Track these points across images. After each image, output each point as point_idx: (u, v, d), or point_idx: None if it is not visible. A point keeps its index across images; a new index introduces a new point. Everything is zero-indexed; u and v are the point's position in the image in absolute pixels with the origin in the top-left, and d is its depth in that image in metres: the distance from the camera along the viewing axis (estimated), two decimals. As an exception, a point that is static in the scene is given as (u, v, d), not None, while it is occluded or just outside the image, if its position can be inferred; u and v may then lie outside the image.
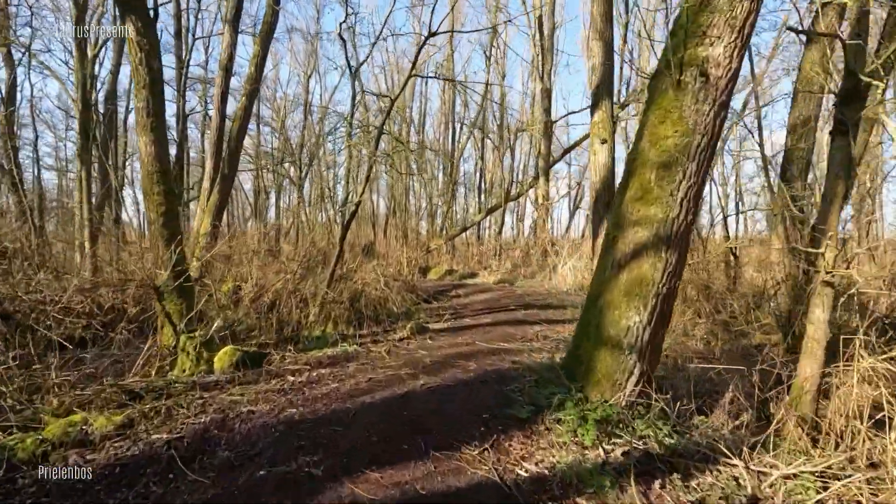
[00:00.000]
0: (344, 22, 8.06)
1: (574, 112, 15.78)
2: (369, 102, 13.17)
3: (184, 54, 14.19)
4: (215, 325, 4.90)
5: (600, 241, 6.58)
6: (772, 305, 6.94)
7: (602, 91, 6.71)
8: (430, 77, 9.03)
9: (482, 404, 3.42)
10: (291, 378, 4.33)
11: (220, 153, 11.04)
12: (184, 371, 4.64)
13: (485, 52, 19.76)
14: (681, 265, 3.40)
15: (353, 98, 7.10)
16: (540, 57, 15.63)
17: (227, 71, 11.15)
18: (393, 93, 6.87)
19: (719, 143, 3.70)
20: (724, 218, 8.75)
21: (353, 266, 9.42)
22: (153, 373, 4.49)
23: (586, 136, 17.21)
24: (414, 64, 6.92)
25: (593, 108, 6.88)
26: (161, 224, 5.40)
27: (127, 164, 22.91)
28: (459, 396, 3.59)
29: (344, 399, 3.60)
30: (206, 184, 11.37)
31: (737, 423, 3.48)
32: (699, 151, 3.32)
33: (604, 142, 6.61)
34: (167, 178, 5.48)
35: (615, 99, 7.03)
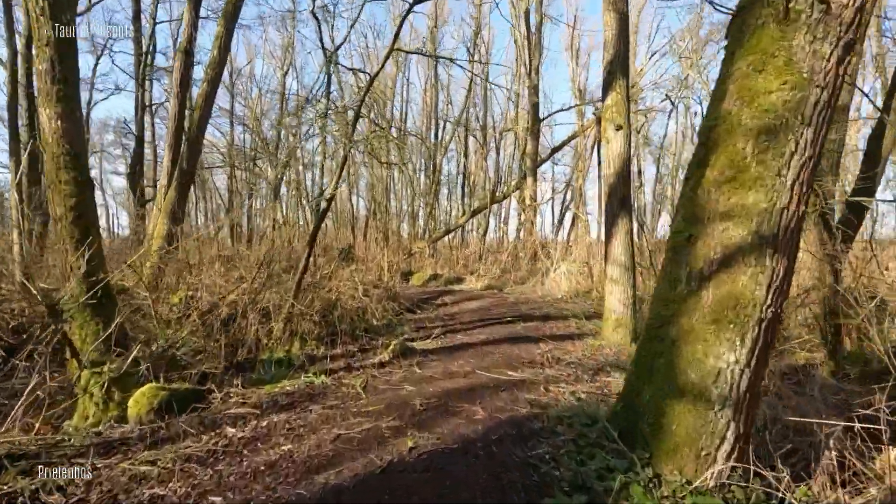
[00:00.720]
0: (317, -2, 6.83)
1: (563, 110, 14.79)
2: (347, 92, 11.88)
3: (143, 40, 12.66)
4: (133, 352, 3.60)
5: (616, 242, 5.50)
6: (800, 318, 5.98)
7: (616, 69, 5.65)
8: (413, 52, 7.81)
9: (504, 488, 2.24)
10: (231, 430, 3.09)
11: (178, 145, 9.65)
12: (86, 419, 3.34)
13: (467, 48, 18.70)
14: (789, 277, 2.29)
15: (329, 78, 5.86)
16: (527, 52, 14.60)
17: (188, 54, 9.76)
18: (372, 72, 5.67)
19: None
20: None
21: (327, 271, 8.17)
22: (38, 424, 3.18)
23: (574, 136, 16.26)
24: (396, 36, 5.73)
25: (605, 89, 5.81)
26: (70, 221, 4.08)
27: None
28: (468, 470, 2.40)
29: (297, 476, 2.38)
30: (162, 180, 9.96)
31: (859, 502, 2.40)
32: (817, 112, 2.22)
33: (619, 128, 5.54)
34: (79, 163, 4.17)
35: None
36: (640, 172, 20.30)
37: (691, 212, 2.42)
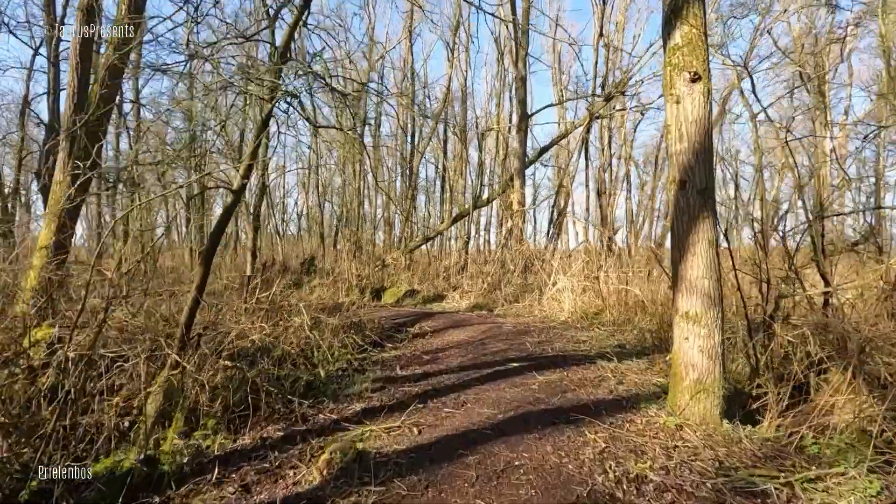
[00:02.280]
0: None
1: (551, 105, 12.73)
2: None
3: (57, 14, 10.03)
4: None
5: (694, 258, 3.31)
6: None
7: (687, -9, 3.49)
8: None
9: None
10: None
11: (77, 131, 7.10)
12: None
13: (446, 43, 16.55)
14: None
15: None
16: (513, 40, 12.52)
17: (90, 13, 7.24)
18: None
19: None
20: (811, 219, 5.72)
21: (264, 294, 5.76)
22: None
23: (564, 135, 14.20)
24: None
25: (669, 22, 3.68)
26: None
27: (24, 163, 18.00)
28: None
29: None
30: (57, 175, 7.35)
31: None
32: None
33: (696, 78, 3.41)
34: None
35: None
36: (627, 178, 18.47)
37: None
